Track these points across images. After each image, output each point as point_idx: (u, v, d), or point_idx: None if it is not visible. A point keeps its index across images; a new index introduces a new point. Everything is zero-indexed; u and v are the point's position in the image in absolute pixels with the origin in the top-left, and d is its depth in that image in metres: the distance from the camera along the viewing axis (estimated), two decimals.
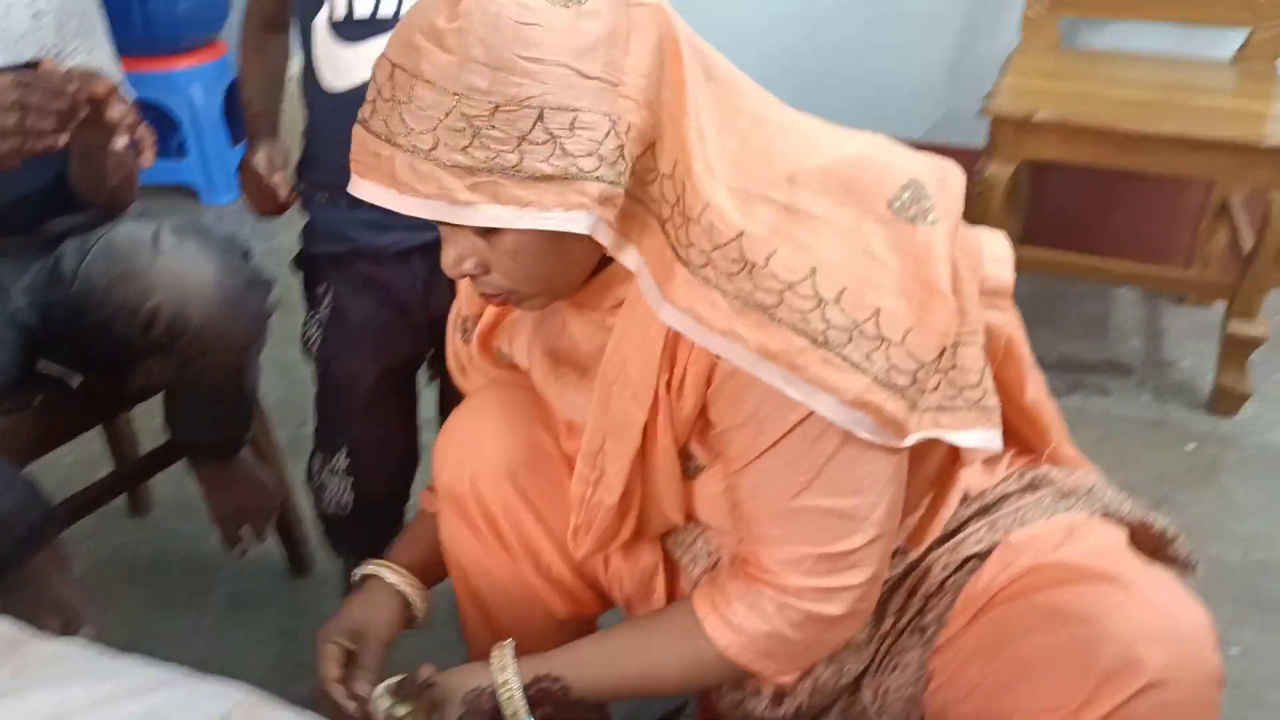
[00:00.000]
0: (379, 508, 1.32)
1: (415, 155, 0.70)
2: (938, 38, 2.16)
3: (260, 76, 1.30)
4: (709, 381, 0.79)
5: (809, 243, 0.73)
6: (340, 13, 1.13)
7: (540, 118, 0.69)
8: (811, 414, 0.74)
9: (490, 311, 0.97)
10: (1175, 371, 1.95)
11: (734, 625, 0.83)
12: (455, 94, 0.69)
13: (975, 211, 1.74)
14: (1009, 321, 0.89)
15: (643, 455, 0.84)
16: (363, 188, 0.74)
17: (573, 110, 0.70)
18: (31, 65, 1.12)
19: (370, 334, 1.23)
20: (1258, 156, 1.61)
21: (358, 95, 1.10)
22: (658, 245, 0.75)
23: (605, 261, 0.81)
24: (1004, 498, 0.89)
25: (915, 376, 0.73)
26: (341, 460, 1.27)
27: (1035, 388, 0.92)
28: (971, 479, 0.90)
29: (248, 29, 1.31)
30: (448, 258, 0.79)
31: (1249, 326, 1.76)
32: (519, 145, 0.69)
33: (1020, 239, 1.97)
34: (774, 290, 0.72)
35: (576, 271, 0.81)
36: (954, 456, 0.86)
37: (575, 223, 0.71)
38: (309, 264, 1.25)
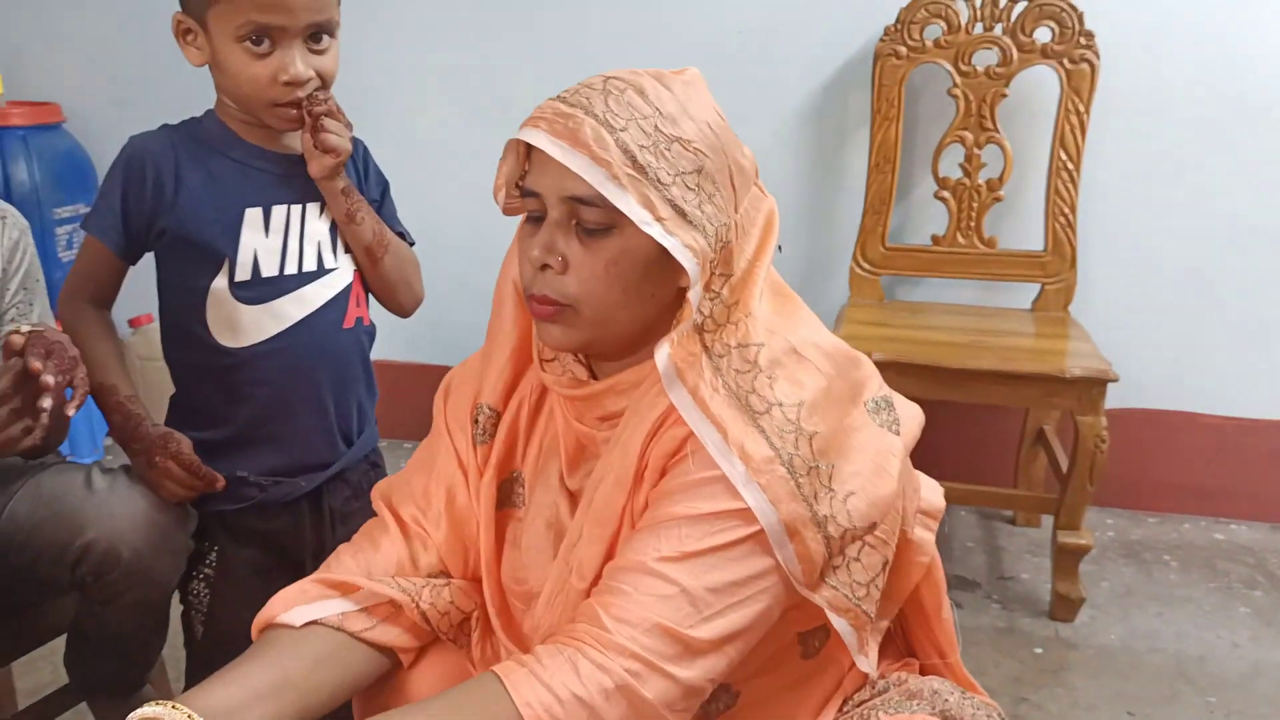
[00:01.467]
0: None
1: (605, 127, 0.82)
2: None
3: (116, 357, 1.25)
4: (663, 471, 0.86)
5: (806, 384, 0.85)
6: (244, 274, 1.20)
7: (700, 171, 0.84)
8: (742, 510, 0.81)
9: (505, 427, 1.01)
10: (1017, 584, 2.13)
11: (543, 680, 0.79)
12: (657, 110, 0.84)
13: None
14: (934, 546, 0.97)
15: (613, 540, 0.89)
16: (535, 136, 0.83)
17: (717, 189, 0.85)
18: None
19: (260, 580, 1.25)
20: (1061, 386, 1.87)
21: (258, 350, 1.20)
22: (691, 330, 0.85)
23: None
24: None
25: (842, 537, 0.83)
26: None
27: (946, 608, 1.02)
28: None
29: (83, 313, 1.25)
30: (540, 242, 0.87)
31: (1075, 538, 1.97)
32: (677, 177, 0.83)
33: None
34: (766, 401, 0.83)
35: (635, 315, 0.88)
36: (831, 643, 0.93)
37: (685, 258, 0.82)
38: (202, 522, 1.26)
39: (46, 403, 1.01)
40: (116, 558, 1.12)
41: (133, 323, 2.64)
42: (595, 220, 0.84)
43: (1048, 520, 2.23)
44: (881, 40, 2.13)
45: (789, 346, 0.87)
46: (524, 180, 0.89)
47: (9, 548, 1.15)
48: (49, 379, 1.01)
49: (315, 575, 0.98)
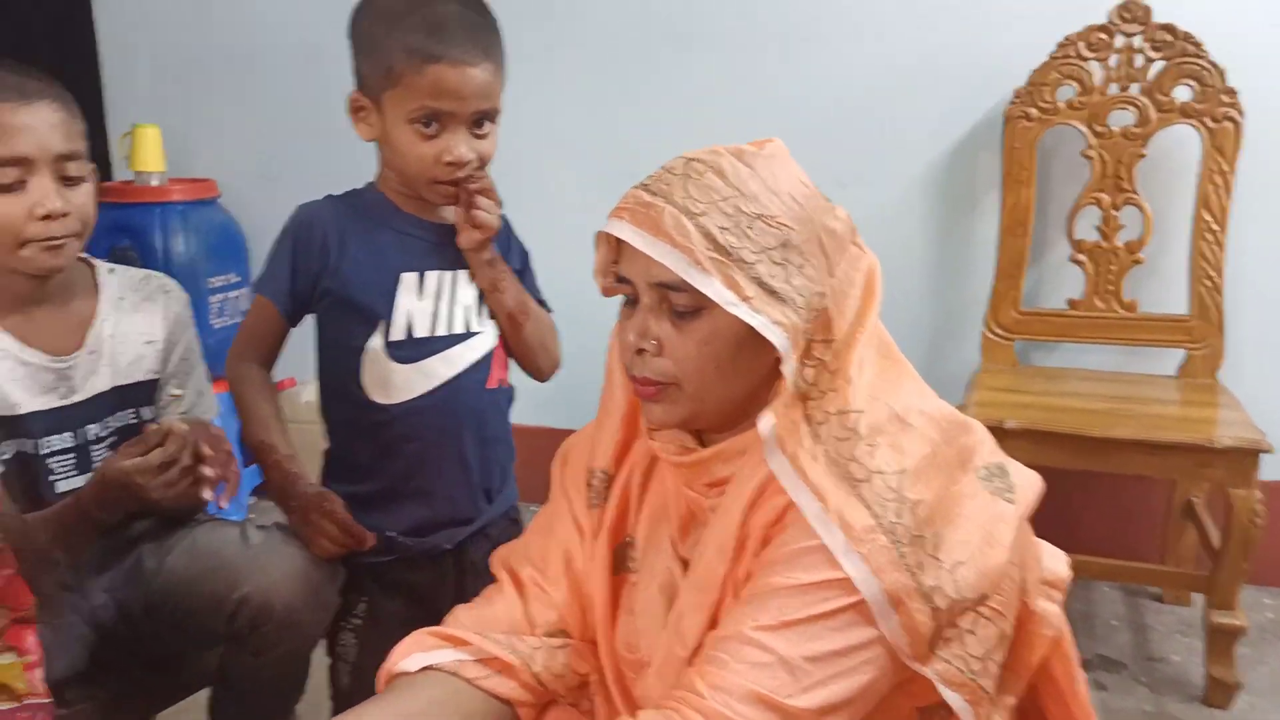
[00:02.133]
0: None
1: (684, 214, 0.84)
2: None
3: (278, 419, 1.32)
4: (766, 540, 0.86)
5: (909, 451, 0.84)
6: (399, 334, 1.28)
7: (785, 245, 0.85)
8: (842, 579, 0.80)
9: (618, 492, 1.02)
10: (1166, 665, 2.02)
11: None
12: (737, 190, 0.85)
13: None
14: (1060, 619, 0.94)
15: (716, 608, 0.89)
16: (619, 228, 0.87)
17: (806, 259, 0.85)
18: (140, 385, 1.28)
19: (405, 635, 1.29)
20: (1211, 457, 1.78)
21: (409, 407, 1.26)
22: (793, 398, 0.85)
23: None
24: None
25: (951, 609, 0.81)
26: None
27: (1083, 687, 0.97)
28: None
29: (250, 373, 1.32)
30: (635, 326, 0.89)
31: (1229, 618, 1.85)
32: (762, 254, 0.84)
33: None
34: (866, 469, 0.82)
35: (734, 388, 0.90)
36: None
37: (773, 334, 0.83)
38: (347, 574, 1.29)
39: (207, 494, 1.13)
40: (270, 611, 1.17)
41: (279, 385, 2.76)
42: (684, 304, 0.87)
43: (1198, 598, 2.11)
44: (1012, 103, 2.10)
45: (892, 413, 0.86)
46: (617, 266, 0.92)
47: (166, 601, 1.21)
48: (208, 472, 1.12)
49: (430, 629, 1.01)
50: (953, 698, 0.83)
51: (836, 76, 2.32)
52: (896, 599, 0.80)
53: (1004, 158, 2.12)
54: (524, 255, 1.41)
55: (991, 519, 0.85)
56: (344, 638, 1.33)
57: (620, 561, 1.02)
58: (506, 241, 1.38)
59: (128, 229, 2.53)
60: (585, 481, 1.04)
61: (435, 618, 1.32)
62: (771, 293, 0.83)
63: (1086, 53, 2.06)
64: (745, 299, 0.83)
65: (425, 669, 0.97)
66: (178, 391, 1.32)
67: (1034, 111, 2.09)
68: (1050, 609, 0.92)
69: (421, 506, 1.32)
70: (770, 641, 0.81)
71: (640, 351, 0.90)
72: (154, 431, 1.11)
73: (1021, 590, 0.88)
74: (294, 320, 1.32)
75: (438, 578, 1.35)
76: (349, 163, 2.61)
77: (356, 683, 1.32)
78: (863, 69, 2.30)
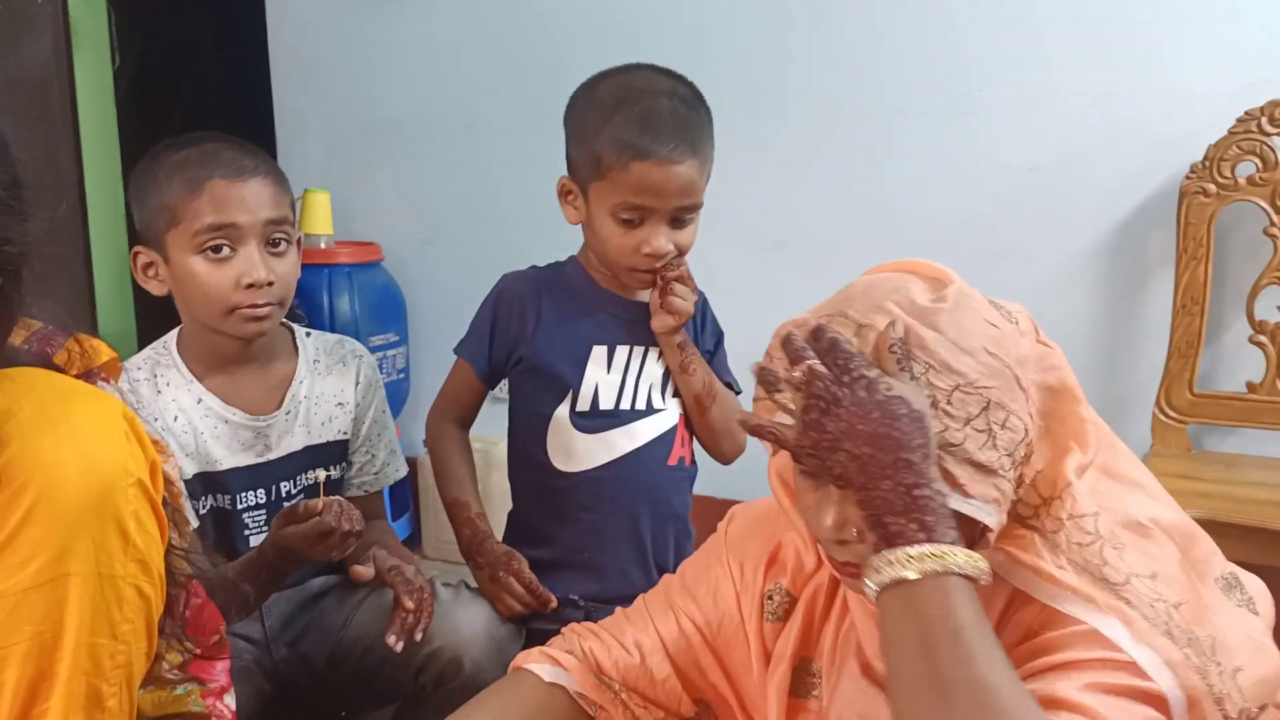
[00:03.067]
0: None
1: None
2: None
3: (472, 479, 1.38)
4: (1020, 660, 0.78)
5: (1157, 555, 0.79)
6: (585, 404, 1.30)
7: (986, 407, 0.75)
8: (1136, 687, 0.72)
9: (801, 613, 0.98)
10: None
11: None
12: (929, 365, 0.75)
13: None
14: None
15: None
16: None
17: (1007, 410, 0.76)
18: (331, 445, 1.33)
19: None
20: None
21: (588, 476, 1.28)
22: (1010, 525, 0.80)
23: None
24: None
25: (1239, 717, 0.75)
26: None
27: None
28: None
29: (447, 432, 1.39)
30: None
31: None
32: (967, 427, 0.75)
33: None
34: (1121, 571, 0.76)
35: None
36: None
37: (987, 515, 0.75)
38: (527, 631, 1.34)
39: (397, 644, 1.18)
40: (459, 668, 1.19)
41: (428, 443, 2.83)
42: None
43: None
44: (1188, 178, 2.03)
45: (1129, 518, 0.81)
46: None
47: (352, 653, 1.25)
48: (409, 618, 1.19)
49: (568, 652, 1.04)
50: None
51: (1001, 148, 2.28)
52: (1193, 700, 0.73)
53: (1179, 234, 2.05)
54: (718, 336, 1.43)
55: (1250, 629, 0.80)
56: None
57: (799, 684, 0.99)
58: (702, 320, 1.40)
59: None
60: (762, 594, 1.01)
61: None
62: (981, 467, 0.76)
63: (1269, 128, 1.98)
64: (958, 487, 0.75)
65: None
66: (323, 477, 1.35)
67: (1211, 187, 2.02)
68: None
69: (591, 579, 1.33)
70: (1089, 701, 0.72)
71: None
72: (303, 509, 1.15)
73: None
74: (491, 383, 1.37)
75: None
76: (503, 231, 2.71)
77: None
78: (1028, 143, 2.26)
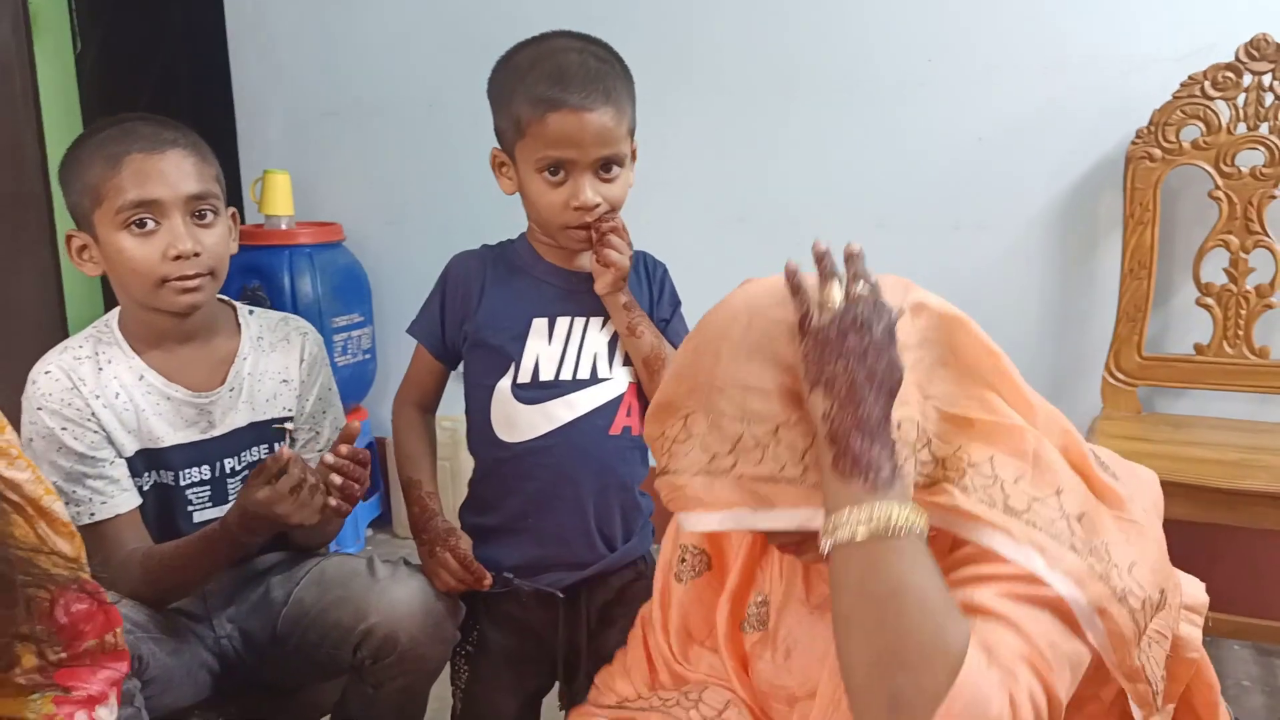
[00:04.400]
0: None
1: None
2: None
3: (429, 458, 1.42)
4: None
5: (1047, 475, 0.84)
6: (525, 376, 1.32)
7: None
8: (1051, 598, 0.78)
9: (737, 572, 1.05)
10: None
11: None
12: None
13: None
14: (1199, 643, 0.94)
15: None
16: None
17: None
18: (275, 422, 1.34)
19: (513, 667, 1.34)
20: None
21: (529, 447, 1.30)
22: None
23: None
24: None
25: (1143, 609, 0.80)
26: None
27: (1224, 713, 0.97)
28: None
29: (405, 414, 1.42)
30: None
31: None
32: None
33: None
34: (1024, 498, 0.82)
35: None
36: None
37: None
38: (466, 596, 1.35)
39: (333, 502, 1.17)
40: (395, 643, 1.20)
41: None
42: None
43: None
44: (1134, 143, 2.05)
45: (1021, 450, 0.85)
46: None
47: (293, 631, 1.26)
48: (336, 480, 1.18)
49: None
50: (1138, 714, 0.83)
51: (953, 120, 2.30)
52: (1101, 608, 0.79)
53: (1126, 199, 2.07)
54: (675, 304, 1.44)
55: (1136, 526, 0.85)
56: (457, 662, 1.37)
57: (745, 619, 1.05)
58: (660, 289, 1.41)
59: (257, 270, 2.65)
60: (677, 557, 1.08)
61: (545, 660, 1.36)
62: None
63: (1212, 91, 2.00)
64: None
65: None
66: (290, 426, 1.37)
67: (1157, 152, 2.04)
68: (1193, 633, 0.92)
69: (534, 545, 1.35)
70: (1004, 608, 0.79)
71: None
72: (272, 460, 1.15)
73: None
74: (449, 362, 1.39)
75: (549, 618, 1.37)
76: (466, 211, 2.71)
77: (466, 708, 1.35)
78: (980, 112, 2.28)
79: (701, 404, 0.86)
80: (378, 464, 2.90)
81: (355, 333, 2.79)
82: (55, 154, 3.04)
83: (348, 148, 2.94)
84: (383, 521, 2.98)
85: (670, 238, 2.55)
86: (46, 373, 1.24)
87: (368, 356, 2.85)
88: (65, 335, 1.30)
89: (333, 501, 1.16)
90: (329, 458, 1.19)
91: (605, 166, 1.27)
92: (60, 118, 3.15)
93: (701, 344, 0.89)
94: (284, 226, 2.74)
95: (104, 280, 3.21)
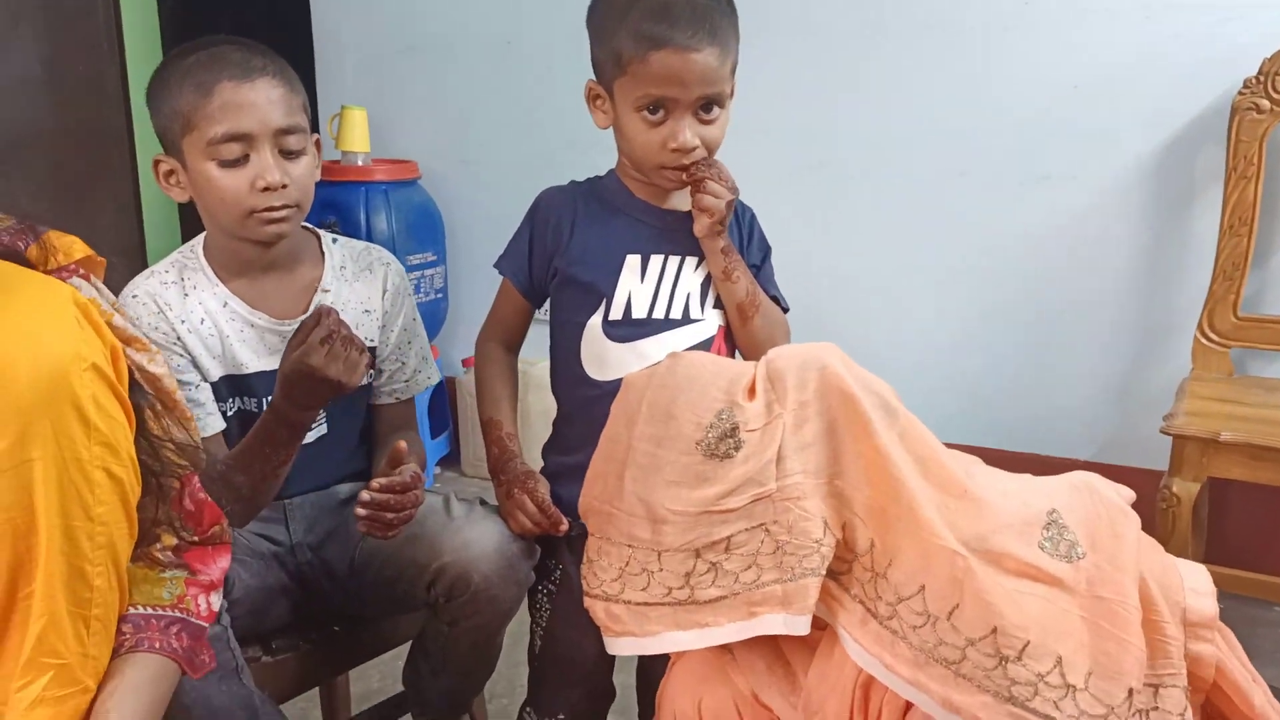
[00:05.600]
0: None
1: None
2: (1109, 363, 2.27)
3: (509, 400, 1.40)
4: None
5: (989, 598, 0.81)
6: (617, 314, 1.31)
7: None
8: None
9: None
10: None
11: None
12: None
13: (1161, 531, 1.77)
14: (1217, 647, 0.89)
15: None
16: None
17: None
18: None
19: None
20: None
21: (615, 386, 1.27)
22: (847, 598, 0.86)
23: None
24: None
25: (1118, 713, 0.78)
26: None
27: (1262, 699, 0.92)
28: None
29: (489, 352, 1.41)
30: None
31: None
32: None
33: (1202, 559, 1.97)
34: (956, 646, 0.80)
35: None
36: None
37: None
38: (544, 540, 1.34)
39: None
40: (467, 582, 1.21)
41: (465, 363, 2.86)
42: None
43: None
44: (1240, 93, 1.96)
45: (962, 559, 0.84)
46: None
47: (371, 563, 1.27)
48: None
49: None
50: None
51: (1045, 65, 2.22)
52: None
53: (1229, 152, 1.99)
54: (765, 250, 1.41)
55: (1105, 607, 0.82)
56: (539, 599, 1.36)
57: None
58: (749, 233, 1.38)
59: (334, 206, 2.66)
60: None
61: None
62: None
63: None
64: None
65: None
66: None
67: (1265, 103, 1.95)
68: (1204, 650, 0.87)
69: None
70: None
71: None
72: (310, 319, 1.16)
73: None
74: (535, 299, 1.37)
75: None
76: (541, 150, 2.69)
77: (546, 648, 1.36)
78: (1074, 58, 2.19)
79: (600, 528, 0.92)
80: (446, 402, 2.92)
81: (428, 271, 2.80)
82: (136, 88, 3.08)
83: (424, 85, 2.93)
84: (451, 460, 3.01)
85: (747, 185, 2.51)
86: (134, 297, 1.25)
87: (440, 295, 2.86)
88: (144, 264, 1.31)
89: (361, 513, 1.17)
90: (365, 495, 1.18)
91: (706, 107, 1.24)
92: (141, 52, 3.18)
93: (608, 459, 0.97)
94: (360, 163, 2.75)
95: (181, 211, 3.27)
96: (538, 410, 2.45)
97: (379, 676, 1.90)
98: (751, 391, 0.94)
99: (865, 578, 0.86)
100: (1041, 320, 2.31)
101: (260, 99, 1.20)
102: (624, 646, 0.90)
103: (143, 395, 0.84)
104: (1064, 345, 2.30)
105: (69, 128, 3.11)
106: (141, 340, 0.87)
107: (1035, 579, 0.85)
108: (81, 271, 0.85)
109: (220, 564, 0.96)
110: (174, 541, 0.91)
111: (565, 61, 2.56)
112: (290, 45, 3.10)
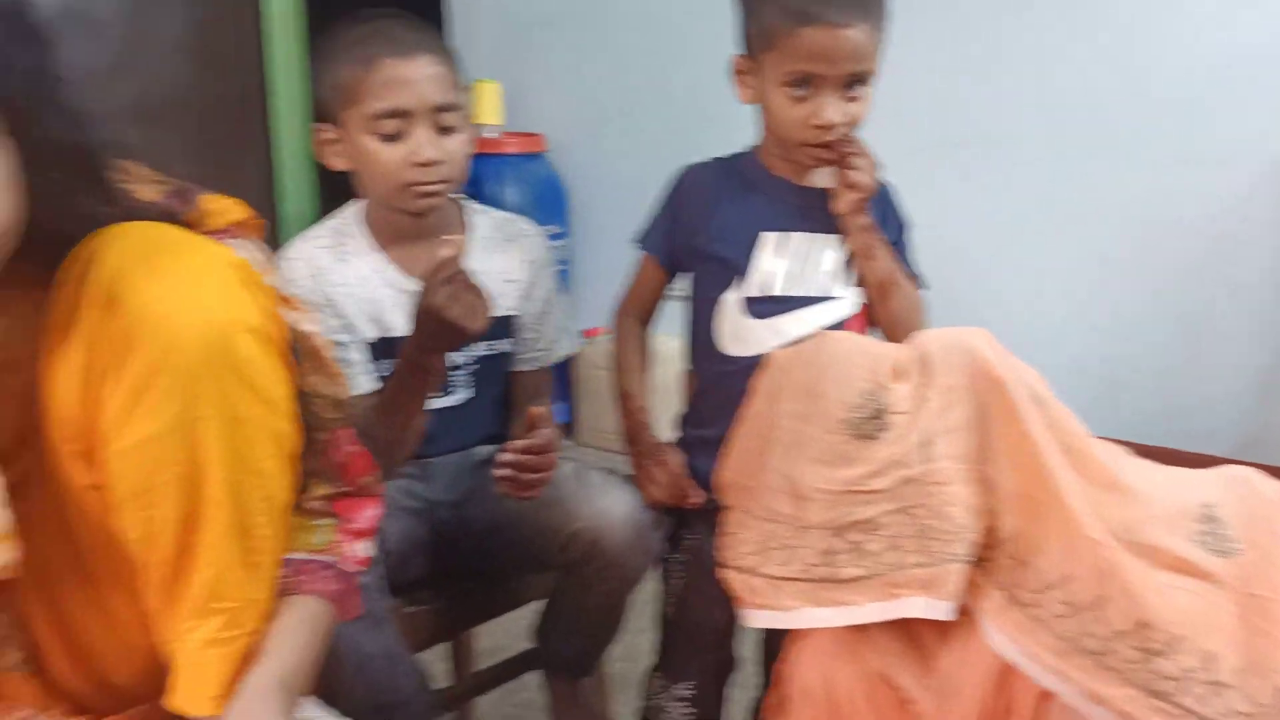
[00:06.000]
0: None
1: None
2: (1257, 356, 2.18)
3: (643, 372, 1.43)
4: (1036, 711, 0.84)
5: (1137, 591, 0.80)
6: (755, 290, 1.31)
7: None
8: None
9: None
10: None
11: None
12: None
13: None
14: None
15: None
16: None
17: None
18: (500, 320, 1.38)
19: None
20: None
21: (755, 361, 1.28)
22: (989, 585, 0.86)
23: None
24: None
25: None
26: (684, 689, 1.37)
27: None
28: None
29: (625, 326, 1.44)
30: None
31: None
32: None
33: None
34: (1102, 638, 0.79)
35: None
36: None
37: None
38: (677, 511, 1.36)
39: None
40: (599, 549, 1.24)
41: (585, 333, 2.90)
42: None
43: None
44: None
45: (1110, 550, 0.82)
46: None
47: (507, 525, 1.32)
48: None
49: None
50: None
51: (1199, 44, 2.13)
52: None
53: None
54: (901, 226, 1.40)
55: (1255, 604, 0.81)
56: (673, 568, 1.39)
57: None
58: (885, 210, 1.37)
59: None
60: None
61: None
62: None
63: None
64: None
65: None
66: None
67: None
68: None
69: None
70: None
71: None
72: (438, 263, 1.19)
73: None
74: (673, 275, 1.39)
75: None
76: (671, 126, 2.70)
77: (678, 614, 1.38)
78: (1231, 38, 2.10)
79: (739, 501, 0.92)
80: (566, 372, 2.97)
81: (552, 244, 2.83)
82: (276, 59, 3.19)
83: (559, 58, 2.96)
84: (568, 429, 3.07)
85: (895, 163, 2.46)
86: (289, 259, 1.31)
87: (563, 268, 2.90)
88: (278, 230, 1.37)
89: (501, 472, 1.21)
90: (503, 456, 1.22)
91: (852, 84, 1.23)
92: (280, 23, 3.28)
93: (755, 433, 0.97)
94: (491, 135, 2.80)
95: (318, 177, 3.38)
96: (660, 384, 2.46)
97: (501, 634, 1.95)
98: (898, 373, 0.94)
99: (1008, 565, 0.85)
100: (1186, 309, 2.24)
101: (420, 76, 1.24)
102: (760, 619, 0.92)
103: (297, 353, 0.88)
104: (1211, 336, 2.22)
105: (211, 95, 3.24)
106: (295, 300, 0.91)
107: (1186, 573, 0.84)
108: (237, 233, 0.89)
109: (370, 513, 0.99)
110: (325, 491, 0.95)
111: (699, 37, 2.56)
112: (426, 18, 3.15)
